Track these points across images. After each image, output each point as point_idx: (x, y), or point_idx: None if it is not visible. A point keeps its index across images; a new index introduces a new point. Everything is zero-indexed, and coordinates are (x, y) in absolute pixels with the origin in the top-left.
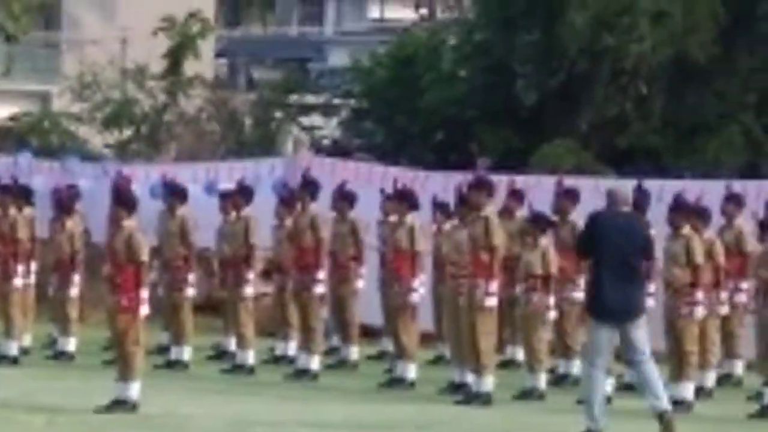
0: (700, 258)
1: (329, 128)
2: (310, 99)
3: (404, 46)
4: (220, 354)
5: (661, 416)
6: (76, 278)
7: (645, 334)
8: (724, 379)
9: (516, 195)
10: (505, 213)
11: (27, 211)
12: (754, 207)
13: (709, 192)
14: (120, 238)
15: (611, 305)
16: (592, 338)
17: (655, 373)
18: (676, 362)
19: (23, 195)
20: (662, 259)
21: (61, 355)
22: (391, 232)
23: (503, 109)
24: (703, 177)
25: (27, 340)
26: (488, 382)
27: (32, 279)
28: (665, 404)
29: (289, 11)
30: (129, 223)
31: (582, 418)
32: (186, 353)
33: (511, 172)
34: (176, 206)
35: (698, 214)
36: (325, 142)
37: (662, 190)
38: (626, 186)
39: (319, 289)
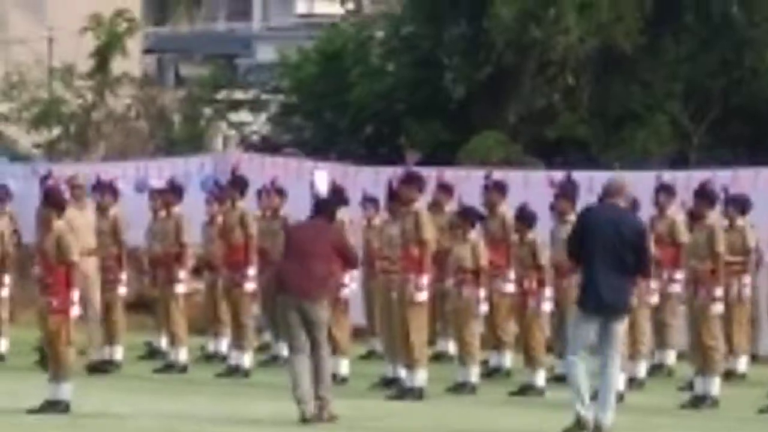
0: None
1: (258, 124)
2: (239, 95)
3: (332, 41)
4: (152, 352)
5: (597, 429)
6: (7, 279)
7: (622, 331)
8: (656, 369)
9: (445, 188)
10: (435, 207)
11: None
12: (684, 197)
13: (639, 182)
14: (50, 238)
15: (603, 299)
16: (578, 331)
17: (614, 383)
18: None
19: None
20: None
21: None
22: None
23: (431, 102)
24: (632, 167)
25: None
26: (421, 377)
27: None
28: (607, 420)
29: (216, 7)
30: (58, 223)
31: (575, 407)
32: (118, 352)
33: (441, 165)
34: (108, 205)
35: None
36: (254, 138)
37: (592, 181)
38: (623, 177)
39: (250, 285)
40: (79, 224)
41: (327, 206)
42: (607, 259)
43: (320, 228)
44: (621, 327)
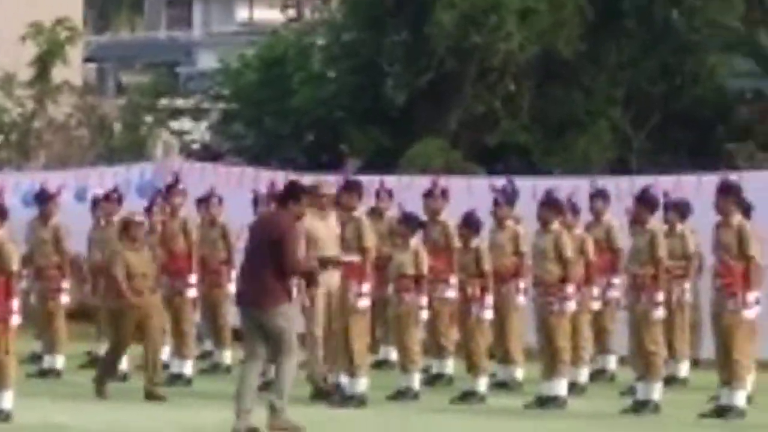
0: (569, 253)
1: (199, 132)
2: (180, 103)
3: (273, 48)
4: (94, 361)
5: None
6: None
7: None
8: (597, 375)
9: (386, 195)
10: (375, 213)
11: None
12: (628, 203)
13: (581, 189)
14: None
15: None
16: None
17: None
18: (548, 358)
19: None
20: (531, 255)
21: None
22: None
23: (372, 108)
24: (573, 173)
25: None
26: (362, 383)
27: None
28: None
29: (157, 15)
30: None
31: None
32: (59, 361)
33: (382, 171)
34: (50, 214)
35: (569, 211)
36: (195, 146)
37: (535, 187)
38: None
39: (191, 293)
40: (321, 235)
41: (289, 191)
42: None
43: (269, 222)
44: None
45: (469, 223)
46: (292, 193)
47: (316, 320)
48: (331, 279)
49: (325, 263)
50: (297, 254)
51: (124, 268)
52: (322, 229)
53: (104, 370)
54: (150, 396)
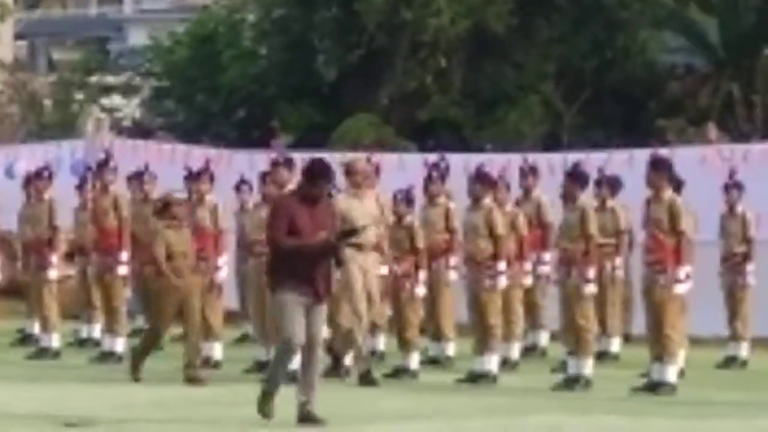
0: (501, 229)
1: (130, 108)
2: (111, 79)
3: (204, 24)
4: (25, 338)
5: None
6: None
7: None
8: (529, 350)
9: None
10: None
11: None
12: (560, 179)
13: (513, 164)
14: None
15: None
16: None
17: None
18: (479, 334)
19: None
20: (463, 231)
21: None
22: (193, 210)
23: (303, 84)
24: (504, 148)
25: None
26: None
27: None
28: None
29: None
30: None
31: None
32: None
33: (313, 147)
34: None
35: (502, 186)
36: (126, 122)
37: (467, 163)
38: None
39: (123, 269)
40: (356, 214)
41: (306, 171)
42: None
43: None
44: None
45: (405, 200)
46: (308, 173)
47: (357, 297)
48: (366, 260)
49: (346, 235)
50: (274, 230)
51: (163, 248)
52: (357, 207)
53: (143, 352)
54: (190, 380)
